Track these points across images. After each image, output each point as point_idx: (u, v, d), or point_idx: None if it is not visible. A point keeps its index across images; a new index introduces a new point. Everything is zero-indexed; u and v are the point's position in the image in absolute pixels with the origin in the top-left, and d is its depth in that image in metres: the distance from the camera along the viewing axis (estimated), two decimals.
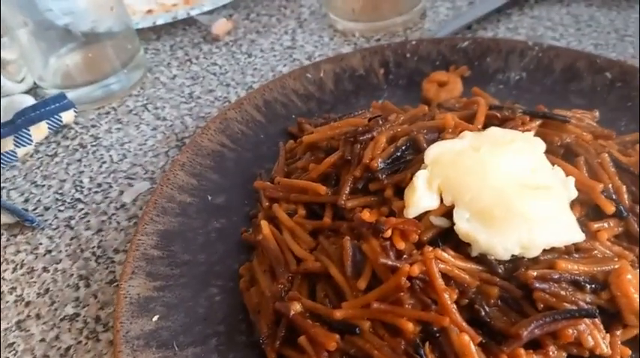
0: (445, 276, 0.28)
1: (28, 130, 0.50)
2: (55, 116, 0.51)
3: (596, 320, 0.27)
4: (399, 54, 0.49)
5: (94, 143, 0.50)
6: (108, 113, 0.54)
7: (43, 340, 0.35)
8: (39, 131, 0.51)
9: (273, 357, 0.30)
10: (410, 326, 0.27)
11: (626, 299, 0.28)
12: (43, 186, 0.47)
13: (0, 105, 0.53)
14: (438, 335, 0.27)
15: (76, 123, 0.53)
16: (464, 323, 0.27)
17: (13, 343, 0.36)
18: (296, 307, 0.30)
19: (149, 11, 0.68)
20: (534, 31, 0.56)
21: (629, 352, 0.28)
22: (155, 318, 0.32)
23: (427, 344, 0.27)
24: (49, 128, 0.51)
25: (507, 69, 0.47)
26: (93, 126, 0.52)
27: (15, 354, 0.35)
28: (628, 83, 0.43)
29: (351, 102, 0.47)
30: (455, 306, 0.27)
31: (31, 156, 0.50)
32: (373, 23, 0.59)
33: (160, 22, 0.62)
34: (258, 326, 0.31)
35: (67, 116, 0.52)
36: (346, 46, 0.58)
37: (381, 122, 0.36)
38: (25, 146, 0.50)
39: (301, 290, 0.31)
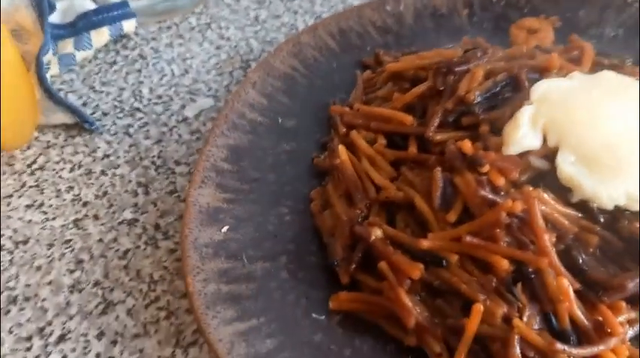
0: (544, 219, 0.26)
1: (89, 34, 0.48)
2: (117, 23, 0.49)
3: None
4: None
5: (154, 55, 0.48)
6: (169, 27, 0.51)
7: (100, 240, 0.35)
8: (100, 36, 0.49)
9: (346, 280, 0.28)
10: (504, 264, 0.25)
11: None
12: (102, 92, 0.45)
13: (58, 6, 0.51)
14: (532, 276, 0.25)
15: (137, 34, 0.50)
16: (562, 268, 0.25)
17: (70, 240, 0.35)
18: (377, 232, 0.28)
19: None
20: None
21: None
22: (224, 229, 0.31)
23: (520, 284, 0.25)
24: (109, 35, 0.49)
25: (602, 23, 0.44)
26: (154, 39, 0.50)
27: (72, 251, 0.34)
28: None
29: (431, 40, 0.44)
30: (554, 251, 0.26)
31: (90, 61, 0.48)
32: None
33: None
34: (332, 249, 0.30)
35: (129, 25, 0.50)
36: None
37: (478, 54, 0.33)
38: (84, 50, 0.48)
39: (380, 218, 0.30)
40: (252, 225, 0.31)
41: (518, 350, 0.24)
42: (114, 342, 0.30)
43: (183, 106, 0.43)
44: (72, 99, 0.44)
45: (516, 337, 0.24)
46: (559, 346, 0.23)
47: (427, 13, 0.46)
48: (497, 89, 0.32)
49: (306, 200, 0.33)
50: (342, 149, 0.33)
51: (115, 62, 0.48)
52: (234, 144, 0.35)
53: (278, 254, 0.30)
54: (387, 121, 0.34)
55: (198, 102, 0.43)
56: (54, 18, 0.48)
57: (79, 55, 0.48)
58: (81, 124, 0.41)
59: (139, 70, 0.47)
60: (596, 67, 0.33)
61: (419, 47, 0.43)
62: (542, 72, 0.32)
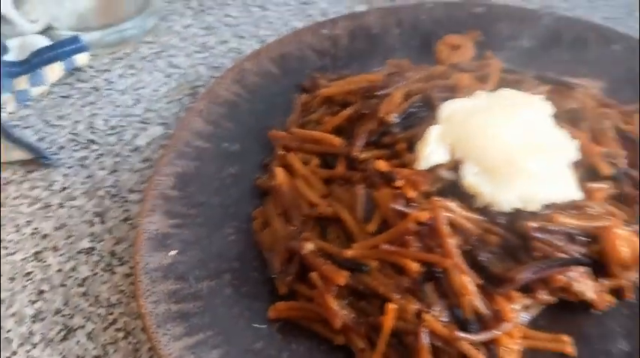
0: (450, 225, 0.30)
1: (43, 70, 0.51)
2: (69, 58, 0.52)
3: (587, 269, 0.30)
4: (415, 15, 0.50)
5: (107, 87, 0.51)
6: (121, 58, 0.54)
7: (60, 270, 0.37)
8: (53, 72, 0.51)
9: (284, 291, 0.32)
10: (414, 266, 0.29)
11: (613, 252, 0.30)
12: (58, 126, 0.48)
13: (11, 44, 0.53)
14: (440, 275, 0.29)
15: (90, 67, 0.53)
16: (465, 266, 0.29)
17: (31, 272, 0.37)
18: (309, 246, 0.31)
19: None
20: (547, 0, 0.57)
21: (614, 299, 0.30)
22: (172, 253, 0.33)
23: (430, 284, 0.29)
24: (63, 69, 0.51)
25: (519, 36, 0.48)
26: (106, 70, 0.53)
27: (33, 283, 0.37)
28: (633, 56, 0.44)
29: (366, 60, 0.47)
30: (458, 253, 0.29)
31: (46, 96, 0.51)
32: None
33: None
34: (271, 264, 0.33)
35: (82, 59, 0.52)
36: (360, 4, 0.58)
37: (397, 79, 0.37)
38: (39, 86, 0.50)
39: (313, 232, 0.33)
40: (198, 247, 0.34)
41: (426, 341, 0.27)
42: None
43: (135, 135, 0.46)
44: (28, 134, 0.47)
45: (424, 328, 0.27)
46: (460, 334, 0.27)
47: (361, 34, 0.49)
48: (413, 109, 0.35)
49: (249, 220, 0.36)
50: (278, 171, 0.36)
51: (69, 95, 0.51)
52: (181, 172, 0.38)
53: (222, 272, 0.33)
54: (319, 143, 0.37)
55: (150, 131, 0.46)
56: (9, 57, 0.51)
57: (35, 91, 0.50)
58: (37, 160, 0.44)
59: (93, 102, 0.50)
60: (501, 83, 0.37)
61: (354, 67, 0.46)
62: (453, 91, 0.36)
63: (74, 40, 0.52)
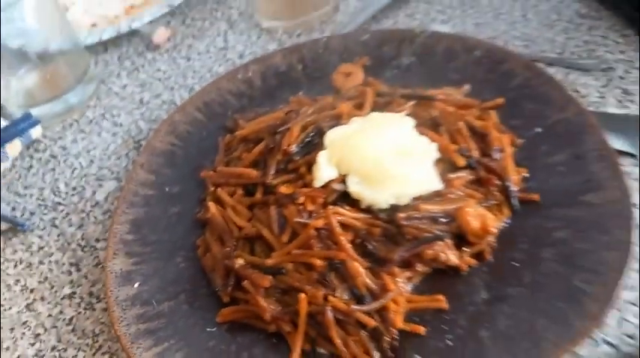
0: (343, 225, 0.39)
1: (4, 148, 0.58)
2: (26, 133, 0.60)
3: (447, 241, 0.39)
4: (314, 50, 0.59)
5: (63, 153, 0.59)
6: (71, 125, 0.62)
7: (50, 315, 0.45)
8: (13, 148, 0.59)
9: (227, 299, 0.40)
10: (319, 263, 0.38)
11: (466, 226, 0.39)
12: (25, 194, 0.56)
13: None
14: (339, 266, 0.38)
15: (45, 137, 0.61)
16: (355, 255, 0.38)
17: (26, 321, 0.45)
18: (240, 261, 0.40)
19: (93, 25, 0.76)
20: (428, 15, 0.66)
21: (474, 261, 0.40)
22: (136, 285, 0.42)
23: (333, 273, 0.38)
24: (21, 144, 0.59)
25: (399, 55, 0.57)
26: (60, 138, 0.61)
27: (29, 329, 0.45)
28: (492, 59, 0.54)
29: (277, 95, 0.56)
30: (350, 245, 0.39)
31: (10, 170, 0.58)
32: (292, 21, 0.68)
33: (105, 36, 0.70)
34: (214, 280, 0.42)
35: (36, 132, 0.60)
36: (272, 42, 0.67)
37: (293, 115, 0.46)
38: (3, 162, 0.58)
39: (244, 250, 0.42)
40: (156, 277, 0.43)
41: (331, 315, 0.36)
42: None
43: (94, 192, 0.54)
44: (2, 206, 0.55)
45: (329, 307, 0.37)
46: (355, 307, 0.36)
47: (270, 73, 0.58)
48: (308, 139, 0.44)
49: (194, 248, 0.45)
50: (211, 204, 0.45)
51: (31, 166, 0.58)
52: (134, 218, 0.46)
53: (178, 293, 0.42)
54: (240, 177, 0.46)
55: (105, 186, 0.54)
56: None
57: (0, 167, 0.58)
58: (15, 227, 0.52)
59: (53, 169, 0.58)
60: (375, 106, 0.46)
61: (268, 104, 0.55)
62: (337, 119, 0.45)
63: (27, 116, 0.60)
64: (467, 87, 0.51)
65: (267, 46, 0.66)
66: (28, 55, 0.62)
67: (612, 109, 0.51)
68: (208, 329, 0.40)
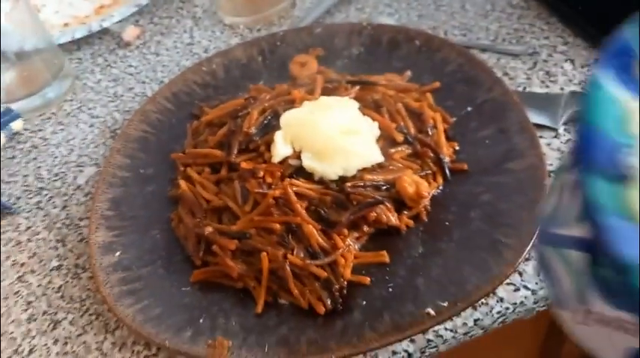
0: (298, 194, 0.45)
1: None
2: (7, 126, 0.64)
3: (388, 205, 0.46)
4: (272, 43, 0.65)
5: (44, 143, 0.64)
6: (50, 118, 0.67)
7: (40, 285, 0.51)
8: None
9: (199, 263, 0.46)
10: (277, 227, 0.44)
11: (403, 192, 0.46)
12: (11, 181, 0.60)
13: None
14: (295, 229, 0.44)
15: (26, 129, 0.66)
16: (310, 219, 0.44)
17: (18, 291, 0.50)
18: (209, 229, 0.46)
19: (65, 24, 0.80)
20: (376, 8, 0.73)
21: (412, 222, 0.47)
22: (117, 254, 0.48)
23: (290, 235, 0.45)
24: (4, 136, 0.64)
25: (350, 46, 0.63)
26: (40, 129, 0.65)
27: (22, 297, 0.50)
28: (430, 47, 0.61)
29: (239, 85, 0.62)
30: (305, 211, 0.45)
31: None
32: (253, 16, 0.74)
33: (77, 35, 0.74)
34: (187, 247, 0.48)
35: (17, 125, 0.65)
36: (234, 37, 0.72)
37: (252, 101, 0.52)
38: None
39: (212, 220, 0.48)
40: (135, 247, 0.49)
41: (289, 270, 0.43)
42: (65, 343, 0.46)
43: (75, 177, 0.59)
44: None
45: (288, 264, 0.43)
46: (310, 262, 0.43)
47: (233, 65, 0.64)
48: (266, 121, 0.50)
49: (168, 221, 0.51)
50: (182, 182, 0.51)
51: (14, 156, 0.63)
52: (112, 197, 0.52)
53: (155, 260, 0.48)
54: (207, 157, 0.52)
55: (85, 171, 0.60)
56: None
57: None
58: (3, 211, 0.57)
59: (35, 158, 0.62)
60: (324, 91, 0.53)
61: (231, 93, 0.61)
62: (292, 103, 0.51)
63: (8, 111, 0.65)
64: (408, 73, 0.58)
65: (229, 40, 0.72)
66: (6, 54, 0.66)
67: (536, 89, 0.58)
68: (183, 289, 0.46)
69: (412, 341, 0.41)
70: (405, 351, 0.41)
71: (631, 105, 0.22)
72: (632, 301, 0.19)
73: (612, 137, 0.21)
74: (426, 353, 0.41)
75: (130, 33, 0.75)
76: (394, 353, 0.41)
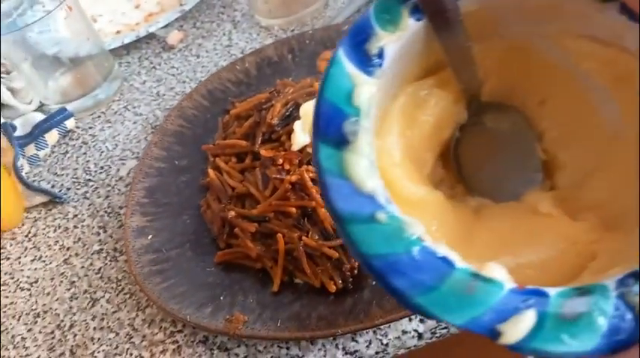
0: (314, 180, 0.47)
1: (44, 137, 0.69)
2: (61, 124, 0.70)
3: None
4: (301, 41, 0.67)
5: (93, 140, 0.69)
6: (99, 117, 0.72)
7: (82, 267, 0.55)
8: (51, 137, 0.69)
9: (223, 245, 0.49)
10: (294, 210, 0.46)
11: None
12: (62, 174, 0.66)
13: (17, 123, 0.71)
14: (311, 213, 0.46)
15: (77, 127, 0.71)
16: (324, 203, 0.46)
17: (63, 272, 0.55)
18: (232, 213, 0.49)
19: (118, 32, 0.86)
20: None
21: None
22: (149, 237, 0.51)
23: (306, 219, 0.46)
24: (58, 134, 0.70)
25: None
26: (90, 127, 0.71)
27: (66, 278, 0.54)
28: None
29: (271, 82, 0.65)
30: (320, 196, 0.46)
31: (49, 156, 0.69)
32: (287, 17, 0.76)
33: (127, 40, 0.80)
34: (213, 230, 0.50)
35: (70, 123, 0.71)
36: (269, 38, 0.75)
37: (276, 94, 0.55)
38: (43, 149, 0.69)
39: (236, 205, 0.50)
40: (166, 231, 0.52)
41: (303, 251, 0.44)
42: (102, 319, 0.50)
43: (117, 170, 0.64)
44: (43, 185, 0.65)
45: (302, 245, 0.44)
46: (323, 243, 0.44)
47: (264, 63, 0.67)
48: (288, 113, 0.53)
49: (198, 208, 0.54)
50: (210, 171, 0.54)
51: (66, 152, 0.69)
52: (148, 186, 0.55)
53: (184, 243, 0.51)
54: (234, 147, 0.54)
55: (127, 164, 0.64)
56: (17, 133, 0.69)
57: (41, 154, 0.69)
58: (53, 200, 0.62)
59: (85, 153, 0.68)
60: None
61: (263, 89, 0.63)
62: (312, 95, 0.53)
63: (62, 110, 0.70)
64: None
65: (264, 41, 0.75)
66: (62, 60, 0.73)
67: None
68: (207, 269, 0.48)
69: (422, 321, 0.42)
70: (415, 331, 0.41)
71: (359, 79, 0.23)
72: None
73: (340, 108, 0.22)
74: (437, 334, 0.41)
75: (173, 37, 0.80)
76: (404, 332, 0.41)
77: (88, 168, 0.65)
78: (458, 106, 0.29)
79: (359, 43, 0.24)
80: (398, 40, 0.24)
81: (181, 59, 0.77)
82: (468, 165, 0.30)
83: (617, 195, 0.26)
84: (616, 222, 0.26)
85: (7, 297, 0.55)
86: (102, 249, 0.56)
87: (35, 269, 0.56)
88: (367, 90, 0.23)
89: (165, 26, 0.81)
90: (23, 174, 0.64)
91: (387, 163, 0.25)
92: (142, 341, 0.47)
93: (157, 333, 0.47)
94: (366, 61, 0.23)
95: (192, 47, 0.79)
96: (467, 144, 0.30)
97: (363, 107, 0.22)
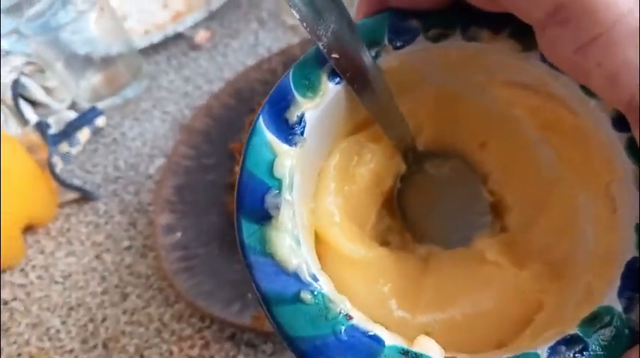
0: None
1: (76, 135, 0.71)
2: (92, 122, 0.72)
3: None
4: None
5: (122, 137, 0.71)
6: (128, 115, 0.74)
7: (113, 262, 0.56)
8: (83, 135, 0.71)
9: None
10: None
11: None
12: (93, 171, 0.68)
13: (51, 121, 0.74)
14: None
15: (108, 125, 0.73)
16: None
17: (95, 267, 0.57)
18: None
19: (146, 31, 0.88)
20: None
21: None
22: (178, 234, 0.52)
23: None
24: (89, 132, 0.71)
25: None
26: (119, 125, 0.73)
27: (97, 273, 0.56)
28: None
29: None
30: None
31: (81, 153, 0.71)
32: None
33: (155, 40, 0.81)
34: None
35: (101, 121, 0.72)
36: (294, 37, 0.76)
37: None
38: (76, 146, 0.70)
39: None
40: (193, 229, 0.53)
41: None
42: (132, 314, 0.51)
43: (147, 167, 0.65)
44: (75, 181, 0.67)
45: None
46: None
47: (290, 62, 0.67)
48: None
49: (225, 205, 0.55)
50: (237, 168, 0.54)
51: (97, 149, 0.70)
52: (176, 184, 0.57)
53: (211, 241, 0.52)
54: None
55: (156, 162, 0.65)
56: (51, 131, 0.71)
57: (74, 151, 0.71)
58: (85, 196, 0.64)
59: (115, 150, 0.69)
60: None
61: None
62: None
63: (93, 109, 0.72)
64: None
65: (290, 40, 0.75)
66: (93, 59, 0.74)
67: None
68: (234, 267, 0.49)
69: None
70: None
71: (280, 149, 0.22)
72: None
73: (262, 180, 0.22)
74: None
75: (201, 36, 0.81)
76: None
77: (118, 165, 0.67)
78: (394, 158, 0.28)
79: (279, 111, 0.23)
80: (318, 105, 0.23)
81: (208, 58, 0.78)
82: (413, 213, 0.29)
83: (559, 240, 0.25)
84: (560, 269, 0.25)
85: (41, 290, 0.57)
86: (132, 246, 0.57)
87: (69, 263, 0.58)
88: (288, 160, 0.22)
89: (193, 26, 0.82)
90: (57, 170, 0.66)
91: (326, 224, 0.25)
92: (171, 336, 0.48)
93: (185, 328, 0.48)
94: (286, 130, 0.23)
95: (219, 46, 0.80)
96: (409, 193, 0.29)
97: (284, 179, 0.22)
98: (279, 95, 0.24)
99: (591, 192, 0.24)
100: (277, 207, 0.21)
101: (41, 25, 0.74)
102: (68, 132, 0.71)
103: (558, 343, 0.19)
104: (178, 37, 0.83)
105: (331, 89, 0.24)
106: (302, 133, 0.23)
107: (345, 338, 0.19)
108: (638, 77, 0.19)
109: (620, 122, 0.21)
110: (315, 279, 0.20)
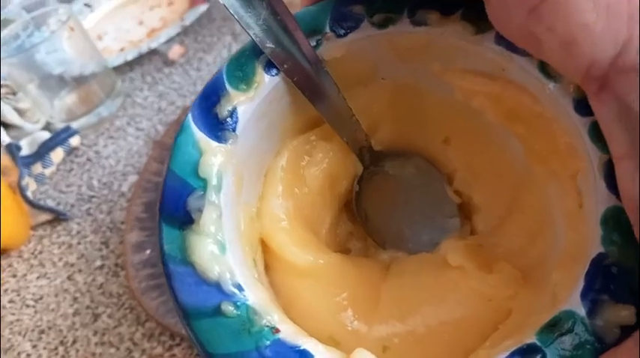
0: None
1: (49, 156, 0.70)
2: (66, 142, 0.71)
3: None
4: None
5: (96, 156, 0.70)
6: (103, 133, 0.73)
7: (85, 283, 0.56)
8: (57, 155, 0.70)
9: None
10: None
11: None
12: (67, 191, 0.67)
13: (23, 143, 0.73)
14: None
15: (82, 144, 0.72)
16: None
17: (67, 288, 0.56)
18: None
19: (122, 49, 0.88)
20: None
21: None
22: (147, 252, 0.52)
23: None
24: (63, 151, 0.71)
25: None
26: (94, 144, 0.72)
27: (69, 294, 0.55)
28: None
29: None
30: None
31: (55, 173, 0.70)
32: None
33: (129, 57, 0.81)
34: None
35: (75, 141, 0.72)
36: None
37: None
38: (49, 167, 0.70)
39: None
40: None
41: None
42: (103, 334, 0.50)
43: (120, 185, 0.65)
44: (50, 202, 0.66)
45: None
46: None
47: None
48: None
49: None
50: None
51: (71, 169, 0.70)
52: (147, 201, 0.56)
53: None
54: None
55: (129, 180, 0.65)
56: (24, 152, 0.71)
57: (47, 172, 0.70)
58: (58, 217, 0.63)
59: (89, 170, 0.69)
60: None
61: None
62: None
63: (67, 128, 0.72)
64: None
65: None
66: (67, 79, 0.74)
67: None
68: None
69: None
70: None
71: (207, 147, 0.20)
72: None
73: (186, 181, 0.20)
74: None
75: (174, 52, 0.81)
76: None
77: (92, 184, 0.66)
78: (349, 158, 0.26)
79: (209, 106, 0.21)
80: (253, 98, 0.21)
81: (182, 73, 0.78)
82: (374, 217, 0.27)
83: (532, 241, 0.23)
84: (531, 273, 0.22)
85: (13, 314, 0.56)
86: (104, 265, 0.57)
87: (40, 286, 0.57)
88: (216, 158, 0.20)
89: (167, 41, 0.82)
90: (29, 192, 0.65)
91: (272, 229, 0.23)
92: (141, 355, 0.47)
93: (155, 347, 0.47)
94: (215, 126, 0.21)
95: (193, 61, 0.80)
96: (369, 195, 0.27)
97: (210, 178, 0.20)
98: (210, 89, 0.22)
99: (560, 186, 0.22)
100: (200, 210, 0.19)
101: (16, 47, 0.74)
102: (41, 153, 0.70)
103: (513, 354, 0.17)
104: (152, 53, 0.83)
105: (268, 81, 0.22)
106: (234, 129, 0.21)
107: (269, 355, 0.17)
108: (596, 42, 0.16)
109: (582, 105, 0.19)
110: (240, 289, 0.18)
